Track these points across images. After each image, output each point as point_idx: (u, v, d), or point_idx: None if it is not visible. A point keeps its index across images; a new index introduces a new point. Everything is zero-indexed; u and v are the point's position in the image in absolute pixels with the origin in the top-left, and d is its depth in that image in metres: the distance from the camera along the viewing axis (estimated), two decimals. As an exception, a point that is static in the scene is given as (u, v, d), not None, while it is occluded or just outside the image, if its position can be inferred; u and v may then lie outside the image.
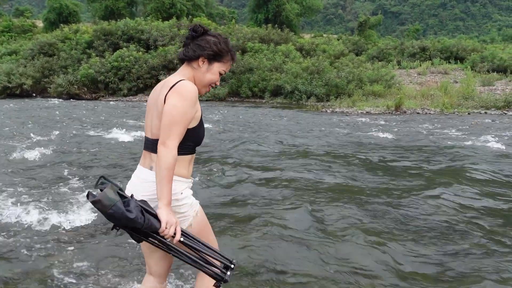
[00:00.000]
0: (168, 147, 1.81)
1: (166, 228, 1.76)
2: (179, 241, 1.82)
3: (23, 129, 10.18)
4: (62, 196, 4.81)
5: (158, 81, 22.42)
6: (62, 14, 45.71)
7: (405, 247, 3.49)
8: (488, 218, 4.17)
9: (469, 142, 8.54)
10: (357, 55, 29.95)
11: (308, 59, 23.10)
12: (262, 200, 4.69)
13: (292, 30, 41.10)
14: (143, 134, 8.27)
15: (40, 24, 49.93)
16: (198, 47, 2.00)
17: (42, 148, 7.62)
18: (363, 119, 12.78)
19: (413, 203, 4.58)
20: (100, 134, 9.45)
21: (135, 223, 1.69)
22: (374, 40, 45.11)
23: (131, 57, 23.41)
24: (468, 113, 14.10)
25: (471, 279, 2.99)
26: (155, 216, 1.78)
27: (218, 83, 2.13)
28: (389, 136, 9.43)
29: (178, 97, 1.86)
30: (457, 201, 4.66)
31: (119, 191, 1.76)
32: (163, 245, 1.84)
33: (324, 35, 52.79)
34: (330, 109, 15.77)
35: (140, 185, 2.02)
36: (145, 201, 1.86)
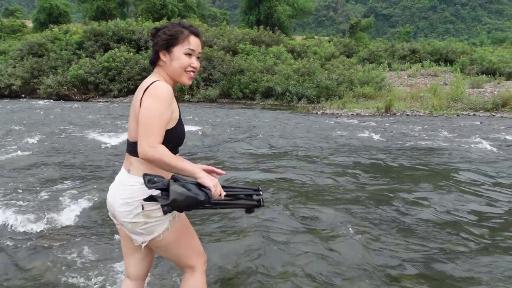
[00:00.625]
0: (154, 147, 1.77)
1: (215, 190, 1.83)
2: (225, 195, 1.91)
3: (11, 130, 10.08)
4: (49, 198, 4.76)
5: (149, 82, 22.41)
6: (52, 15, 45.38)
7: (392, 248, 3.50)
8: (474, 220, 4.20)
9: (458, 144, 8.60)
10: (348, 57, 30.08)
11: (299, 60, 23.15)
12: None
13: (284, 32, 41.19)
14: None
15: (30, 24, 49.53)
16: (154, 45, 1.99)
17: (30, 149, 7.56)
18: (353, 121, 12.83)
19: (401, 205, 4.59)
20: (88, 135, 9.38)
21: (204, 203, 1.77)
22: (365, 42, 45.33)
23: (122, 57, 23.28)
24: (457, 115, 14.21)
25: (456, 280, 3.00)
26: (198, 186, 1.83)
27: (195, 65, 2.01)
28: (378, 137, 9.47)
29: (152, 99, 1.83)
30: (444, 203, 4.69)
31: (174, 178, 1.82)
32: (212, 204, 1.90)
33: (315, 37, 52.96)
34: (321, 111, 15.81)
35: (119, 188, 1.99)
36: (184, 178, 1.87)
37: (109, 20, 28.64)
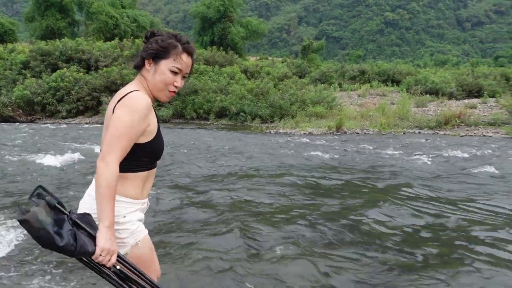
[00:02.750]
0: (107, 162, 1.65)
1: (100, 255, 1.61)
2: (116, 268, 1.67)
3: None
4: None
5: (99, 102, 21.91)
6: (-3, 33, 43.72)
7: (342, 266, 3.53)
8: (418, 235, 4.33)
9: (404, 161, 8.93)
10: (300, 77, 30.80)
11: (253, 81, 23.43)
12: (199, 224, 4.61)
13: (238, 52, 41.69)
14: (79, 157, 7.96)
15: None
16: (143, 50, 1.88)
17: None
18: (306, 140, 13.05)
19: (347, 222, 4.67)
20: (35, 158, 8.96)
21: (64, 251, 1.54)
22: (317, 63, 46.62)
23: (71, 77, 22.65)
24: (404, 133, 14.79)
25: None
26: (94, 238, 1.62)
27: (178, 84, 1.90)
28: (329, 156, 9.67)
29: (126, 109, 1.72)
30: (387, 218, 4.82)
31: (57, 205, 1.60)
32: (96, 268, 1.68)
33: (269, 58, 53.95)
34: (274, 130, 15.99)
35: (85, 200, 1.89)
36: (87, 215, 1.69)
37: (57, 40, 27.90)
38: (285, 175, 7.38)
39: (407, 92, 24.91)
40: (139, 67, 1.92)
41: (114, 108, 1.77)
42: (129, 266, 1.72)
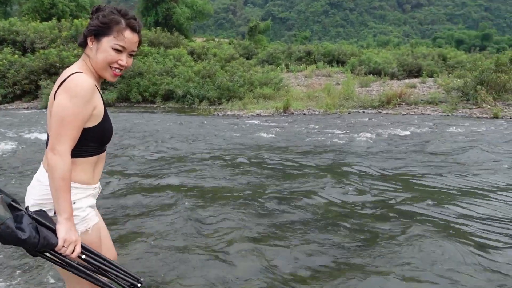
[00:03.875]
0: (59, 154, 1.60)
1: (63, 246, 1.59)
2: (81, 258, 1.66)
3: None
4: None
5: (38, 86, 20.76)
6: None
7: (283, 247, 3.59)
8: (363, 213, 4.50)
9: (349, 140, 9.19)
10: (247, 59, 30.70)
11: (200, 62, 23.07)
12: (147, 209, 4.54)
13: (183, 34, 40.80)
14: (18, 145, 7.55)
15: None
16: (86, 27, 1.77)
17: None
18: (254, 121, 13.10)
19: (295, 202, 4.76)
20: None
21: (27, 244, 1.50)
22: (264, 44, 46.57)
23: (5, 60, 21.26)
24: (349, 113, 15.21)
25: (345, 274, 3.18)
26: (54, 231, 1.59)
27: (122, 62, 1.79)
28: (277, 137, 9.78)
29: (67, 95, 1.63)
30: (335, 197, 4.97)
31: (12, 203, 1.56)
32: (62, 262, 1.65)
33: (216, 39, 53.31)
34: (222, 112, 15.92)
35: (34, 187, 1.79)
36: (43, 212, 1.66)
37: (-12, 20, 26.06)
38: (233, 157, 7.40)
39: (351, 72, 25.52)
40: (82, 45, 1.82)
41: (55, 94, 1.69)
42: (95, 256, 1.71)
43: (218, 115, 15.49)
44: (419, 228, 3.85)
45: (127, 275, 1.80)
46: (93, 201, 1.91)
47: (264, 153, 7.81)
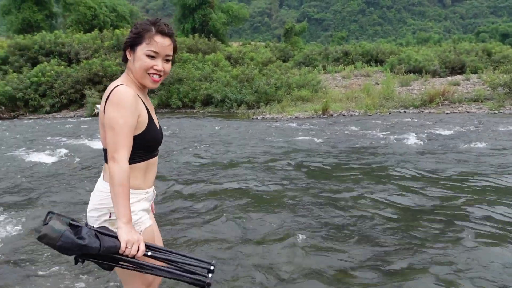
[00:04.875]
0: (117, 161, 1.70)
1: (127, 247, 1.65)
2: (148, 256, 1.72)
3: None
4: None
5: (83, 95, 21.59)
6: (-29, 29, 42.55)
7: (337, 249, 3.60)
8: (410, 214, 4.43)
9: (391, 141, 9.04)
10: (284, 61, 30.66)
11: (237, 67, 23.30)
12: (192, 214, 4.64)
13: (220, 39, 41.27)
14: (67, 152, 7.88)
15: None
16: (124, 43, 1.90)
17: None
18: (292, 124, 13.10)
19: (338, 204, 4.75)
20: (22, 155, 8.87)
21: (89, 249, 1.57)
22: (300, 46, 46.41)
23: (52, 71, 22.25)
24: (389, 113, 14.92)
25: (402, 274, 3.15)
26: (115, 237, 1.67)
27: (158, 67, 1.86)
28: (316, 139, 9.73)
29: (113, 107, 1.75)
30: (379, 199, 4.91)
31: (72, 222, 1.64)
32: (134, 265, 1.71)
33: (252, 42, 53.50)
34: (261, 116, 16.00)
35: (94, 194, 1.92)
36: (104, 227, 1.76)
37: (36, 33, 27.31)
38: (273, 160, 7.43)
39: (391, 71, 25.01)
40: (125, 60, 1.93)
41: (104, 107, 1.80)
42: (161, 250, 1.78)
43: (257, 118, 15.58)
44: (468, 232, 3.75)
45: (198, 261, 1.82)
46: (146, 205, 1.99)
47: (304, 155, 7.80)
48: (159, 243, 2.26)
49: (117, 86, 1.81)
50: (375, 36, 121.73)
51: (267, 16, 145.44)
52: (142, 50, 1.83)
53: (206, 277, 1.76)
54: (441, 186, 5.43)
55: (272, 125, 13.21)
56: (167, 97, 21.09)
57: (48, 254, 3.69)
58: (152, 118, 1.93)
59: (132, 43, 1.86)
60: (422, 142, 8.77)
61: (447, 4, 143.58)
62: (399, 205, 4.69)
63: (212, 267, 1.79)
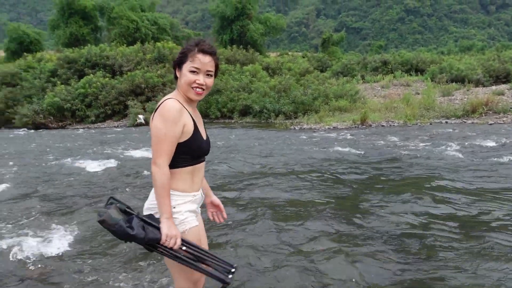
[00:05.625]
0: (158, 166, 1.98)
1: (166, 240, 1.96)
2: (182, 249, 2.02)
3: (-12, 163, 9.96)
4: (31, 229, 4.76)
5: (126, 106, 22.41)
6: (23, 43, 44.89)
7: (375, 259, 3.64)
8: (451, 227, 4.40)
9: (431, 152, 8.90)
10: (322, 71, 30.71)
11: (275, 77, 23.52)
12: (232, 222, 4.78)
13: (257, 49, 41.76)
14: (111, 161, 8.24)
15: (1, 53, 48.87)
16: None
17: (9, 181, 7.50)
18: (331, 135, 13.10)
19: (380, 216, 4.77)
20: (67, 163, 9.35)
21: (136, 239, 1.93)
22: (338, 56, 46.29)
23: (98, 83, 23.24)
24: (430, 123, 14.65)
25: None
26: (159, 229, 1.98)
27: (199, 81, 2.09)
28: (355, 150, 9.71)
29: (159, 118, 2.01)
30: (421, 211, 4.88)
31: (127, 209, 2.03)
32: (169, 253, 2.02)
33: (289, 53, 53.85)
34: (299, 126, 16.06)
35: (150, 195, 2.19)
36: (152, 215, 2.07)
37: (82, 47, 28.58)
38: (312, 171, 7.49)
39: (431, 81, 24.53)
40: (176, 77, 2.20)
41: (152, 118, 2.09)
42: (194, 247, 2.08)
43: (294, 129, 15.66)
44: (503, 246, 3.70)
45: (222, 262, 2.11)
46: (193, 206, 2.21)
47: (342, 166, 7.82)
48: (204, 244, 2.43)
49: (166, 99, 2.08)
50: (415, 44, 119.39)
51: (305, 26, 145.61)
52: (186, 67, 2.10)
53: (227, 276, 2.06)
54: (482, 200, 5.33)
55: (310, 135, 13.26)
56: (206, 107, 21.54)
57: (99, 254, 3.93)
58: (198, 129, 2.16)
59: (179, 62, 2.13)
60: (463, 154, 8.59)
61: (491, 11, 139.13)
62: (439, 218, 4.66)
63: (233, 270, 2.09)
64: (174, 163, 2.07)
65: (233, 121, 20.55)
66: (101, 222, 1.92)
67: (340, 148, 10.01)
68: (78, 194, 6.55)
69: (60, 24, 48.27)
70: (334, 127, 15.21)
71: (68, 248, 4.24)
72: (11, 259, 3.97)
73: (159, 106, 2.06)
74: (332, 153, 9.49)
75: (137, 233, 1.92)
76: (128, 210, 2.03)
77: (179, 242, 1.99)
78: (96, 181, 7.47)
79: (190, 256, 2.05)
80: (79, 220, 5.09)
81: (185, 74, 2.09)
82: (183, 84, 2.11)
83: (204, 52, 2.10)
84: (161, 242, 1.97)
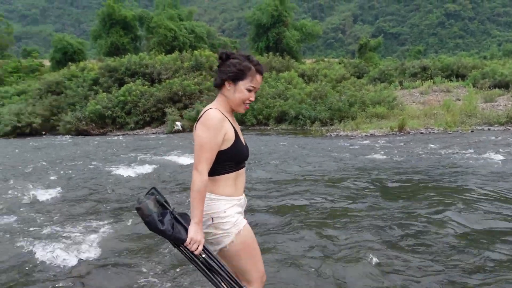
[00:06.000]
0: (198, 172, 2.07)
1: (189, 243, 2.05)
2: (202, 256, 2.11)
3: (35, 167, 10.42)
4: (76, 232, 4.95)
5: (164, 113, 22.92)
6: (67, 53, 46.75)
7: (412, 269, 3.57)
8: (493, 238, 4.25)
9: (473, 161, 8.62)
10: (358, 77, 30.33)
11: (311, 84, 23.44)
12: (269, 228, 4.80)
13: (293, 56, 41.77)
14: (150, 167, 8.44)
15: (47, 63, 51.12)
16: (222, 72, 2.24)
17: (54, 186, 7.82)
18: (367, 142, 12.91)
19: (418, 225, 4.66)
20: (109, 169, 9.65)
21: (163, 234, 2.04)
22: (375, 62, 45.61)
23: (137, 91, 23.88)
24: (472, 131, 14.20)
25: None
26: (186, 230, 2.08)
27: (252, 99, 2.26)
28: (393, 158, 9.54)
29: (202, 127, 2.12)
30: (462, 222, 4.74)
31: (164, 203, 2.13)
32: (188, 255, 2.12)
33: (325, 59, 53.48)
34: (335, 133, 15.93)
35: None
36: (186, 215, 2.18)
37: (123, 55, 29.46)
38: (349, 178, 7.42)
39: (473, 86, 23.79)
40: (219, 86, 2.28)
41: (195, 126, 2.18)
42: (213, 258, 2.16)
43: (330, 136, 15.54)
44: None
45: (234, 280, 2.19)
46: (239, 209, 2.32)
47: (380, 174, 7.70)
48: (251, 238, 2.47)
49: (209, 109, 2.18)
50: (455, 49, 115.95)
51: (341, 32, 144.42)
52: (244, 84, 2.20)
53: None
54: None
55: (346, 142, 13.12)
56: (242, 114, 21.68)
57: (140, 255, 4.04)
58: (238, 136, 2.26)
59: (235, 78, 2.20)
60: (507, 163, 8.27)
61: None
62: (478, 228, 4.51)
63: None
64: (219, 170, 2.18)
65: (268, 128, 20.61)
66: (137, 209, 2.04)
67: (377, 156, 9.86)
68: (115, 198, 6.77)
69: (102, 34, 50.10)
70: (371, 134, 14.99)
71: (105, 250, 4.38)
72: (49, 260, 4.15)
73: (201, 115, 2.16)
74: (369, 160, 9.36)
75: (166, 229, 2.02)
76: (164, 203, 2.13)
77: (200, 248, 2.08)
78: (133, 186, 7.69)
79: (206, 264, 2.13)
80: (117, 223, 5.25)
81: (242, 91, 2.20)
82: (237, 99, 2.21)
83: (261, 73, 2.25)
84: (185, 244, 2.06)
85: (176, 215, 2.11)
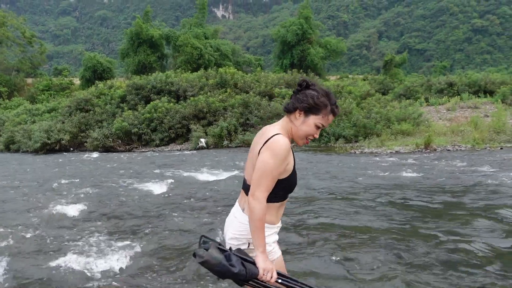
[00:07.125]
0: (257, 199, 1.99)
1: (264, 274, 1.97)
2: (278, 282, 2.02)
3: (63, 182, 10.67)
4: (99, 249, 5.04)
5: (188, 130, 23.17)
6: (96, 71, 48.05)
7: (436, 289, 3.50)
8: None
9: (502, 179, 8.40)
10: (383, 94, 30.05)
11: (335, 101, 23.36)
12: (294, 246, 4.78)
13: (318, 73, 41.83)
14: (174, 183, 8.55)
15: (77, 81, 52.65)
16: (297, 99, 2.16)
17: (81, 201, 7.99)
18: (393, 159, 12.74)
19: (443, 245, 4.57)
20: (135, 185, 9.81)
21: (239, 276, 1.94)
22: (400, 78, 45.20)
23: (163, 108, 24.27)
24: (501, 148, 13.84)
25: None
26: (253, 263, 2.01)
27: (316, 136, 2.19)
28: (419, 175, 9.38)
29: (269, 153, 2.02)
30: (490, 243, 4.61)
31: (219, 247, 2.03)
32: (262, 286, 2.05)
33: (349, 76, 53.36)
34: (359, 150, 15.78)
35: (233, 221, 2.22)
36: (240, 249, 2.10)
37: (150, 73, 30.08)
38: (371, 196, 7.33)
39: (502, 103, 23.25)
40: (289, 111, 2.21)
41: (260, 149, 2.09)
42: (288, 279, 2.07)
43: (355, 153, 15.39)
44: None
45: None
46: (276, 237, 2.28)
47: (406, 192, 7.58)
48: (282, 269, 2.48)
49: (278, 134, 2.10)
50: (483, 65, 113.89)
51: (366, 48, 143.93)
52: (314, 119, 2.13)
53: None
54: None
55: (371, 159, 12.98)
56: (267, 131, 21.74)
57: (160, 272, 4.08)
58: (295, 165, 2.21)
59: (308, 110, 2.13)
60: (539, 181, 8.02)
61: None
62: (508, 250, 4.38)
63: None
64: (270, 198, 2.09)
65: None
66: (203, 263, 1.94)
67: (402, 173, 9.72)
68: (141, 214, 6.85)
69: (130, 52, 51.48)
70: (396, 151, 14.79)
71: (130, 266, 4.44)
72: (77, 274, 4.23)
73: (268, 140, 2.07)
74: (394, 178, 9.22)
75: (239, 271, 1.93)
76: (219, 247, 2.04)
77: (275, 275, 2.00)
78: (157, 202, 7.78)
79: (285, 285, 2.05)
80: (142, 239, 5.32)
81: (311, 125, 2.13)
82: (302, 131, 2.15)
83: (334, 115, 2.17)
84: (259, 277, 1.97)
85: (237, 254, 2.03)
